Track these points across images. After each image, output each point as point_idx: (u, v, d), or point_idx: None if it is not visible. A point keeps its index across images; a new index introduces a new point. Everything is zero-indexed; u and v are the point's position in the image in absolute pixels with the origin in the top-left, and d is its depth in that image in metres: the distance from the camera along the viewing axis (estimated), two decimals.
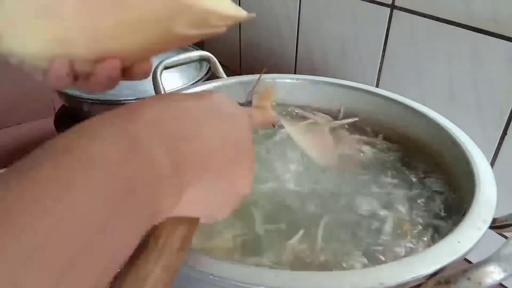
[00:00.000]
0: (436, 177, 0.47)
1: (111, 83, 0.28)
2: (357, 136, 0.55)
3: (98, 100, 0.68)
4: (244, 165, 0.25)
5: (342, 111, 0.58)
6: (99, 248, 0.17)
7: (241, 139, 0.25)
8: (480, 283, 0.27)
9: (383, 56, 0.63)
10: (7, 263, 0.14)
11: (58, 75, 0.26)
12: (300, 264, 0.35)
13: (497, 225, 0.35)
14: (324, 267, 0.35)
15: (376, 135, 0.55)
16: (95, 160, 0.18)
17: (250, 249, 0.37)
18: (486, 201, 0.35)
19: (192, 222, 0.24)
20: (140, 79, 0.31)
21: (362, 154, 0.51)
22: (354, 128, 0.56)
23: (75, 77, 0.27)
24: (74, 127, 0.20)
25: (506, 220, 0.35)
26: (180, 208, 0.23)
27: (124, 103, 0.67)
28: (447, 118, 0.48)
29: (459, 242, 0.30)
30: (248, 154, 0.26)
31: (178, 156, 0.21)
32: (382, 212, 0.42)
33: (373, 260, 0.36)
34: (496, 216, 0.34)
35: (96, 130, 0.19)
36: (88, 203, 0.17)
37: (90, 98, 0.68)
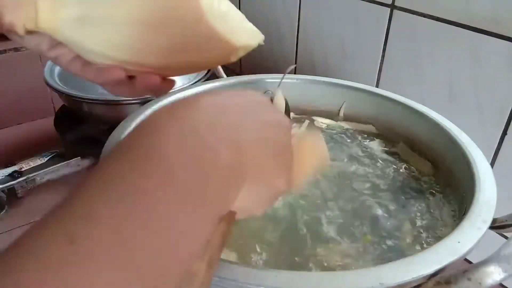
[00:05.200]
0: (436, 177, 0.47)
1: (147, 91, 0.37)
2: (357, 139, 0.55)
3: (98, 100, 0.68)
4: (283, 163, 0.27)
5: (342, 111, 0.58)
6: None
7: (283, 141, 0.27)
8: (480, 283, 0.27)
9: (383, 56, 0.63)
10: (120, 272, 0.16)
11: (113, 73, 0.33)
12: None
13: (497, 225, 0.35)
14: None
15: (377, 136, 0.55)
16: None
17: None
18: (486, 201, 0.35)
19: (230, 217, 0.25)
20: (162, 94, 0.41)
21: (361, 155, 0.51)
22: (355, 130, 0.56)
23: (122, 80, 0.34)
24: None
25: (506, 220, 0.35)
26: None
27: (124, 104, 0.68)
28: (447, 118, 0.48)
29: (459, 242, 0.30)
30: (288, 153, 0.28)
31: (239, 154, 0.24)
32: (380, 212, 0.42)
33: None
34: (496, 216, 0.34)
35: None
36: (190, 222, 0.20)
37: (90, 98, 0.68)
